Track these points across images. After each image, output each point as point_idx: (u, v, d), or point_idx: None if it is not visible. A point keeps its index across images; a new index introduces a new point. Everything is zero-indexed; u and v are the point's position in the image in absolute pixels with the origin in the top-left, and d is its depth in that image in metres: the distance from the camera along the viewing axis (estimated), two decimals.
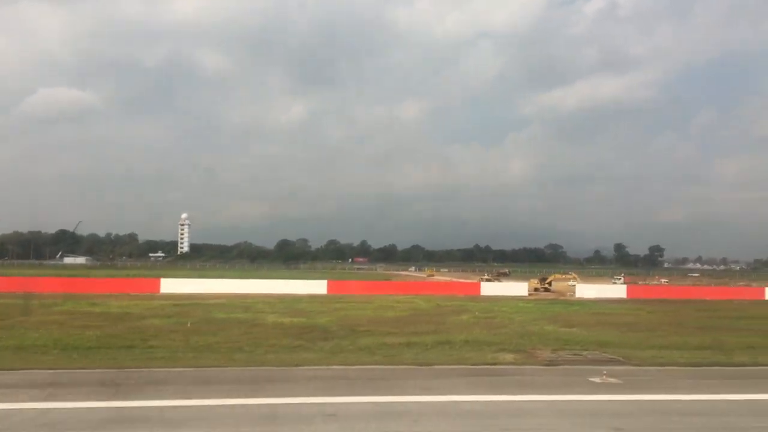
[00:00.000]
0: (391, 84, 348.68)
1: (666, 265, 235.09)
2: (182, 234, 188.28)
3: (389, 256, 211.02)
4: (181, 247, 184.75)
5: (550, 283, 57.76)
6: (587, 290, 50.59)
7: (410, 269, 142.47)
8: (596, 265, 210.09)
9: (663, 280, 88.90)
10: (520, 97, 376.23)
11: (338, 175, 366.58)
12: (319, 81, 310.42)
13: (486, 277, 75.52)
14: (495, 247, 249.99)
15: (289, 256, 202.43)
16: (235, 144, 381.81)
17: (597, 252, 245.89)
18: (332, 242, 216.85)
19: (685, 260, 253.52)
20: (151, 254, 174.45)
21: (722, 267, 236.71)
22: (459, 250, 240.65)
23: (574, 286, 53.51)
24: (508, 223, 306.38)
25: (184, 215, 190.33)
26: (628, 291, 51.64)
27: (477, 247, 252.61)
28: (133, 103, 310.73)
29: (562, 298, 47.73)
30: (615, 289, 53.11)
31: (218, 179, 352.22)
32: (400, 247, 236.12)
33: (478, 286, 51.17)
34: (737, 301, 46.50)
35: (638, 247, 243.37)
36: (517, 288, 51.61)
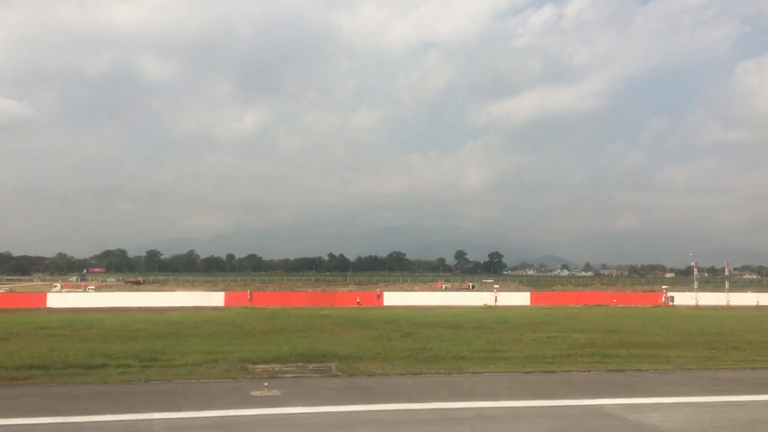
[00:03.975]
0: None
1: (506, 271, 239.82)
2: None
3: (214, 266, 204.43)
4: None
5: None
6: None
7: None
8: (432, 272, 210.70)
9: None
10: (471, 107, 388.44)
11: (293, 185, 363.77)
12: (268, 90, 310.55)
13: None
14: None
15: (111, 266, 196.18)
16: (185, 154, 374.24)
17: (441, 260, 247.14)
18: (152, 252, 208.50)
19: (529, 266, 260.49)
20: None
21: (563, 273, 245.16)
22: (299, 259, 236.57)
23: None
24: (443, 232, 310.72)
25: None
26: None
27: (331, 256, 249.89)
28: (75, 114, 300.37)
29: None
30: None
31: (168, 191, 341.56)
32: (238, 256, 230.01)
33: None
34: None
35: (479, 254, 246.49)
36: None
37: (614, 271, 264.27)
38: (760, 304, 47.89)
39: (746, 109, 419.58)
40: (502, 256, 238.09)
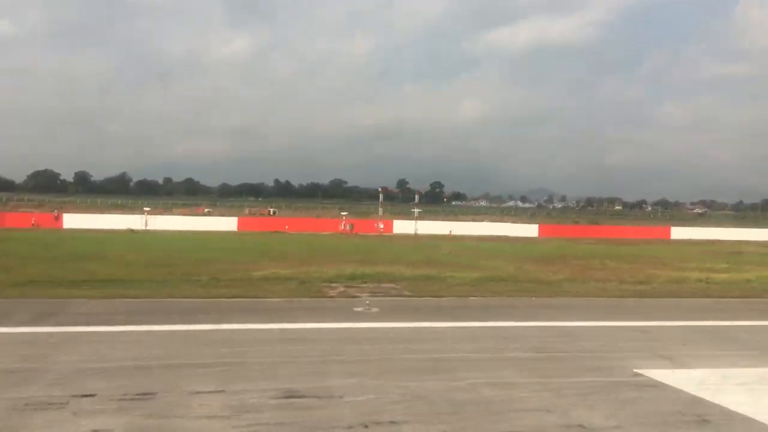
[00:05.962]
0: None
1: (453, 202, 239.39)
2: None
3: (146, 190, 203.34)
4: None
5: None
6: None
7: None
8: (370, 200, 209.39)
9: None
10: (467, 36, 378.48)
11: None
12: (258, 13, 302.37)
13: None
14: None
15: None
16: (175, 77, 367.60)
17: (384, 188, 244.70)
18: (82, 174, 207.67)
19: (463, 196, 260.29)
20: None
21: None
22: (240, 185, 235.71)
23: None
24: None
25: None
26: None
27: (277, 182, 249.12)
28: (61, 33, 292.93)
29: None
30: None
31: (157, 115, 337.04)
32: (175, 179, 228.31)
33: None
34: None
35: (421, 183, 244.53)
36: None
37: (571, 203, 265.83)
38: (454, 234, 45.73)
39: (746, 43, 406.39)
40: (443, 185, 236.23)
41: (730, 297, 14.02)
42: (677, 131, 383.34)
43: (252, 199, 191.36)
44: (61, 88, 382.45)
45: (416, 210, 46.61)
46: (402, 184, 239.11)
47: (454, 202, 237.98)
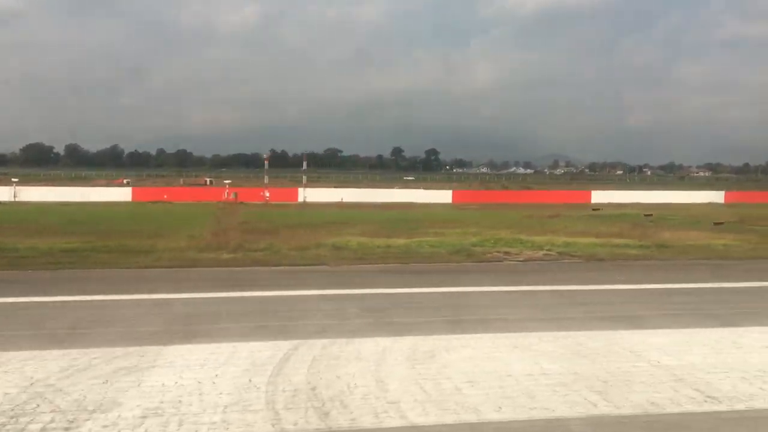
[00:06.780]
0: None
1: (455, 169, 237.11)
2: None
3: (137, 161, 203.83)
4: None
5: None
6: None
7: None
8: (366, 170, 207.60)
9: None
10: None
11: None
12: None
13: None
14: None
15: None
16: (185, 48, 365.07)
17: (379, 156, 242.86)
18: (72, 146, 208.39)
19: (468, 164, 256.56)
20: None
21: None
22: (234, 155, 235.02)
23: None
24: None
25: None
26: None
27: (273, 151, 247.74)
28: (69, 6, 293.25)
29: None
30: None
31: (168, 86, 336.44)
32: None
33: None
34: None
35: (417, 150, 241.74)
36: None
37: (573, 169, 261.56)
38: (344, 200, 44.03)
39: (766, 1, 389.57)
40: (438, 153, 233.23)
41: (321, 265, 12.40)
42: (692, 94, 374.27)
43: (244, 169, 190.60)
44: (58, 61, 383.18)
45: (304, 176, 44.94)
46: (397, 152, 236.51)
47: (455, 169, 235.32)
